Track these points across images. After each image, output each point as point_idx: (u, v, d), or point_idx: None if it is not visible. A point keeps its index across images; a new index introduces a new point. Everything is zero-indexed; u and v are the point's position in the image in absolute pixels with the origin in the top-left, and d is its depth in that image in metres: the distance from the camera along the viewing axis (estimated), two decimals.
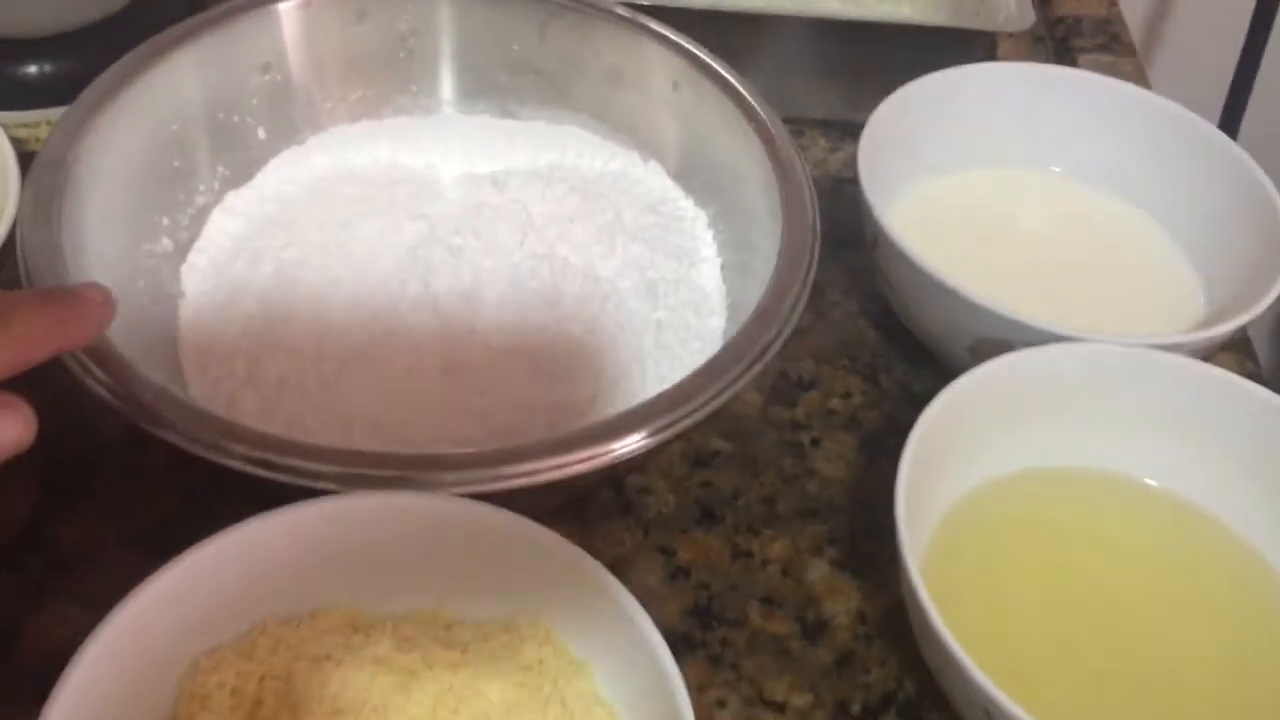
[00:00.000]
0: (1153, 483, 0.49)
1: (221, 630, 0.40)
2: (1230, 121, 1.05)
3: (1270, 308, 0.51)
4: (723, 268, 0.57)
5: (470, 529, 0.40)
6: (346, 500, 0.40)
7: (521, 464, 0.41)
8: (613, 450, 0.42)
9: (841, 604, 0.49)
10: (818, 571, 0.51)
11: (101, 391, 0.42)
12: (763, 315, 0.48)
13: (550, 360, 0.51)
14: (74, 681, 0.35)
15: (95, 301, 0.35)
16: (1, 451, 0.30)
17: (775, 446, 0.55)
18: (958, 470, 0.47)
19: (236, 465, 0.40)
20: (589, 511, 0.51)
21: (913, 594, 0.40)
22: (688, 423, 0.44)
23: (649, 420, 0.43)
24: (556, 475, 0.41)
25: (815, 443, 0.55)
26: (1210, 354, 0.52)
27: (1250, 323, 0.51)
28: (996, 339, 0.50)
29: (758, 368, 0.46)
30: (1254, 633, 0.45)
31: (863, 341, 0.60)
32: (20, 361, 0.31)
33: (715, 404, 0.44)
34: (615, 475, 0.52)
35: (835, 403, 0.57)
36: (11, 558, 0.47)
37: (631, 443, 0.42)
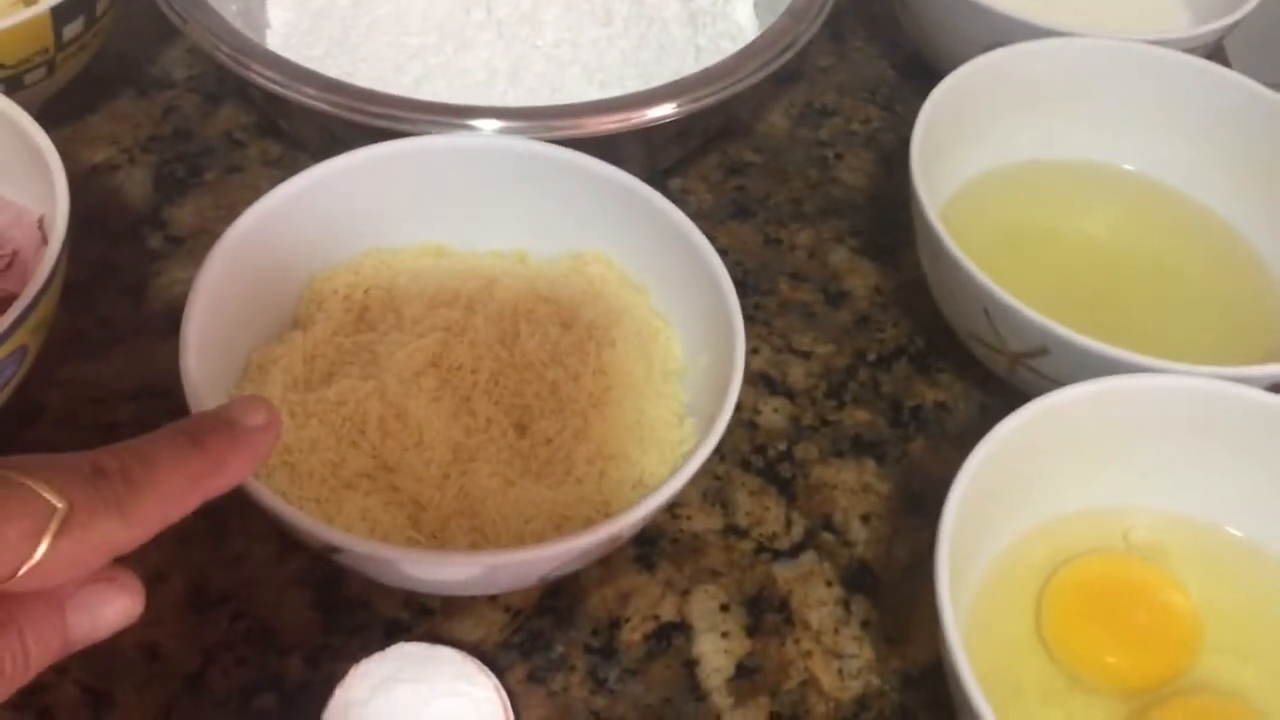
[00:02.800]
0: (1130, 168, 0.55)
1: (332, 253, 0.46)
2: None
3: None
4: (755, 5, 0.63)
5: (542, 168, 0.46)
6: (440, 139, 0.46)
7: (571, 118, 0.48)
8: (646, 114, 0.49)
9: (860, 280, 0.56)
10: (840, 255, 0.57)
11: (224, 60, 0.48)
12: (791, 14, 0.54)
13: (601, 69, 0.57)
14: (208, 279, 0.41)
15: (255, 430, 0.31)
16: (109, 628, 0.29)
17: (802, 159, 0.61)
18: (966, 153, 0.54)
19: (342, 113, 0.47)
20: None
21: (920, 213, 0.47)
22: (716, 98, 0.50)
23: (684, 92, 0.50)
24: (599, 129, 0.48)
25: (839, 157, 0.62)
26: None
27: None
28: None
29: (785, 56, 0.52)
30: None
31: (882, 79, 0.66)
32: (155, 528, 0.28)
33: (742, 85, 0.51)
34: (657, 175, 0.58)
35: (856, 126, 0.63)
36: (135, 232, 0.54)
37: (666, 110, 0.49)
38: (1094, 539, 0.43)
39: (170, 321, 0.51)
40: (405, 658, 0.39)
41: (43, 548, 0.26)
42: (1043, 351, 0.43)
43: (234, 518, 0.45)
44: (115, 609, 0.29)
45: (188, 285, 0.41)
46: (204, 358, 0.39)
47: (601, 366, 0.43)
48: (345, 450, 0.41)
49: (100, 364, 0.49)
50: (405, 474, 0.40)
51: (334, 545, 0.35)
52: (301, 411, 0.41)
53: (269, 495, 0.35)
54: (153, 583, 0.43)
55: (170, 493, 0.29)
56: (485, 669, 0.39)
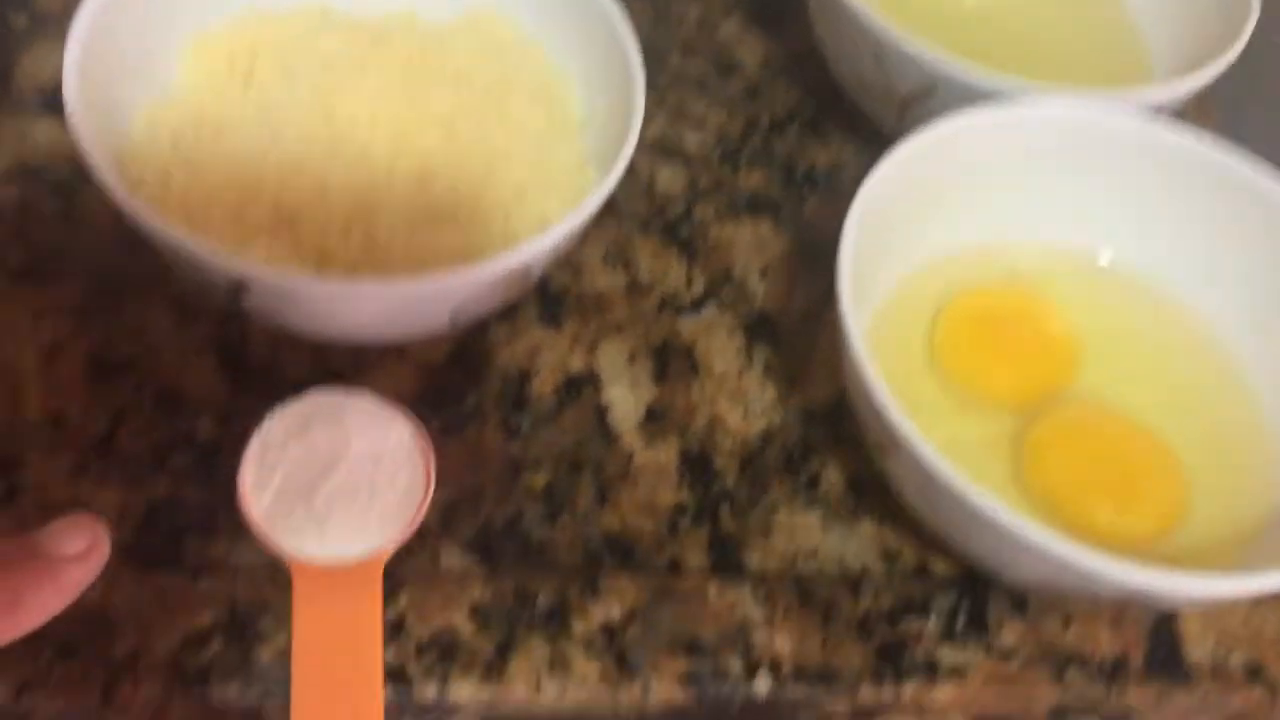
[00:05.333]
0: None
1: (210, 14, 0.45)
2: None
3: None
4: None
5: None
6: None
7: None
8: None
9: (749, 51, 0.56)
10: (729, 27, 0.57)
11: None
12: None
13: None
14: (82, 38, 0.39)
15: (70, 561, 0.28)
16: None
17: None
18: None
19: None
20: None
21: None
22: None
23: None
24: None
25: None
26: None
27: None
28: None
29: None
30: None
31: None
32: None
33: None
34: None
35: None
36: None
37: None
38: (980, 273, 0.45)
39: (43, 101, 0.49)
40: (321, 403, 0.39)
41: None
42: (930, 91, 0.44)
43: (130, 288, 0.44)
44: None
45: (59, 65, 0.38)
46: (89, 119, 0.37)
47: (502, 116, 0.43)
48: (245, 204, 0.40)
49: None
50: (308, 225, 0.40)
51: (243, 280, 0.35)
52: (195, 165, 0.40)
53: (172, 230, 0.35)
54: (51, 353, 0.42)
55: None
56: (403, 410, 0.39)
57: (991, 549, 0.36)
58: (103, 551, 0.29)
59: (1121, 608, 0.40)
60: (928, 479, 0.35)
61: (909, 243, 0.44)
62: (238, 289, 0.36)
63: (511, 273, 0.37)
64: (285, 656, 0.36)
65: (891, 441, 0.35)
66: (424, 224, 0.41)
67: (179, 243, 0.35)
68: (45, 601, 0.27)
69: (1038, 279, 0.45)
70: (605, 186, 0.39)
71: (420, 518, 0.38)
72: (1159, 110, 0.45)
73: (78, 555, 0.28)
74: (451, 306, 0.38)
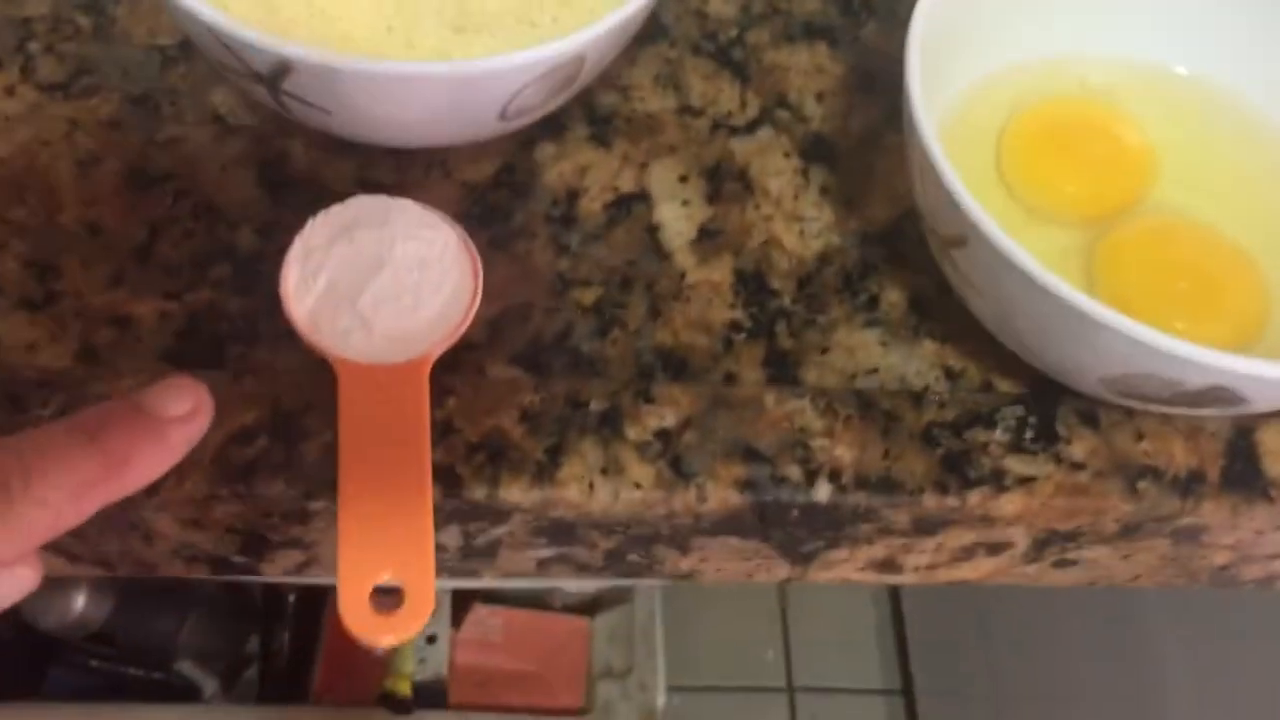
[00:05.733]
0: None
1: None
2: None
3: None
4: None
5: None
6: None
7: None
8: None
9: None
10: None
11: None
12: None
13: None
14: None
15: (174, 421, 0.28)
16: (4, 602, 0.26)
17: None
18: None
19: None
20: None
21: None
22: None
23: None
24: None
25: None
26: None
27: None
28: None
29: None
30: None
31: None
32: (42, 540, 0.25)
33: None
34: None
35: None
36: None
37: None
38: (1049, 85, 0.43)
39: None
40: (366, 206, 0.38)
41: None
42: None
43: (165, 104, 0.43)
44: (11, 585, 0.26)
45: None
46: None
47: None
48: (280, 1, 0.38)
49: None
50: (346, 23, 0.38)
51: (287, 62, 0.34)
52: None
53: (208, 9, 0.33)
54: (86, 164, 0.41)
55: (57, 502, 0.25)
56: (448, 218, 0.38)
57: (1067, 343, 0.34)
58: (207, 413, 0.29)
59: (1196, 423, 0.39)
60: (1002, 270, 0.33)
61: (973, 55, 0.42)
62: (280, 73, 0.34)
63: (565, 62, 0.36)
64: (331, 454, 0.35)
65: (964, 232, 0.34)
66: (468, 30, 0.40)
67: (222, 26, 0.33)
68: (153, 461, 0.28)
69: (1111, 90, 0.43)
70: None
71: (468, 322, 0.37)
72: None
73: (183, 416, 0.28)
74: (503, 99, 0.36)
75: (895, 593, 1.34)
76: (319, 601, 1.00)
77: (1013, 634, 1.01)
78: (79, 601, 0.90)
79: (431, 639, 1.01)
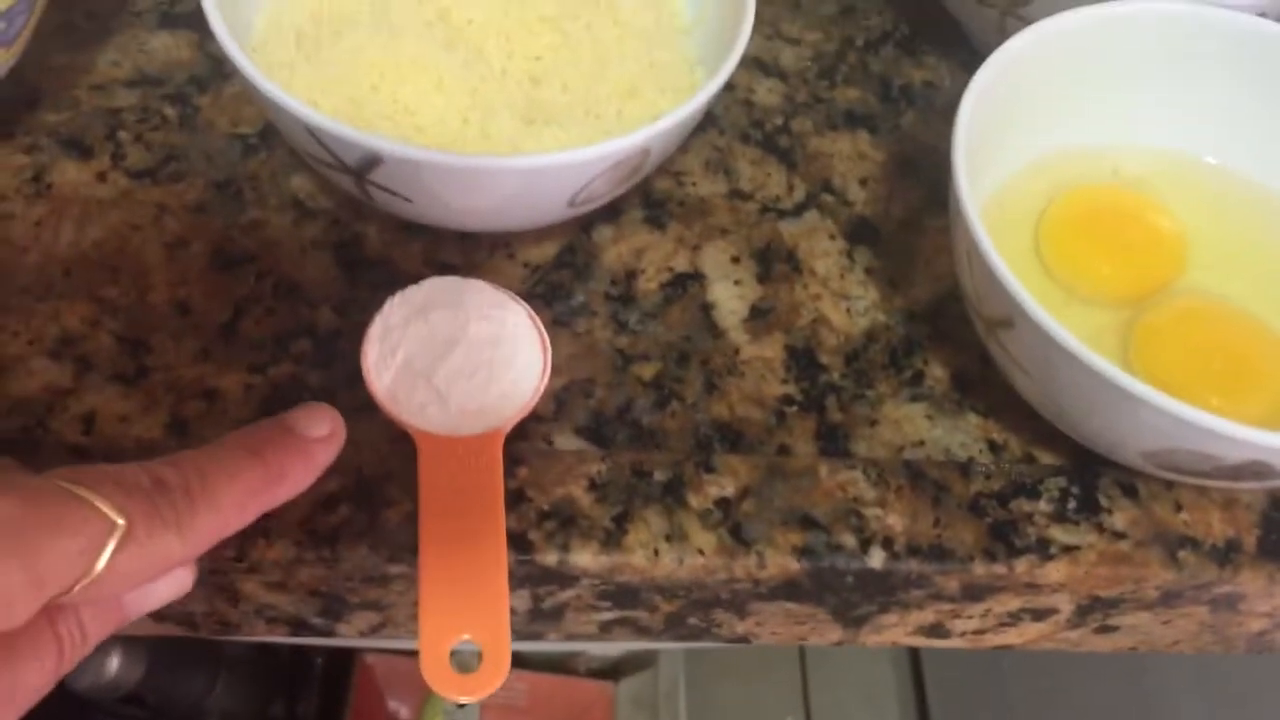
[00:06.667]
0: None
1: None
2: None
3: None
4: None
5: None
6: None
7: None
8: None
9: None
10: None
11: None
12: None
13: None
14: None
15: (317, 441, 0.32)
16: (162, 601, 0.30)
17: None
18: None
19: None
20: None
21: None
22: None
23: None
24: None
25: None
26: None
27: None
28: None
29: None
30: None
31: None
32: (212, 542, 0.29)
33: None
34: None
35: None
36: None
37: None
38: (1085, 173, 0.45)
39: (160, 15, 0.50)
40: (440, 287, 0.40)
41: (101, 563, 0.26)
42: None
43: (248, 189, 0.45)
44: (169, 586, 0.30)
45: None
46: (218, 18, 0.39)
47: (613, 18, 0.44)
48: (365, 94, 0.41)
49: (93, 53, 0.49)
50: (426, 116, 0.41)
51: (376, 154, 0.36)
52: (317, 58, 0.41)
53: (302, 106, 0.36)
54: (174, 247, 0.43)
55: (228, 507, 0.29)
56: (518, 298, 0.40)
57: (1110, 419, 0.36)
58: (341, 436, 0.33)
59: (1232, 494, 0.40)
60: (1048, 350, 0.35)
61: (1012, 146, 0.45)
62: (368, 165, 0.37)
63: (631, 155, 0.38)
64: (410, 521, 0.37)
65: (1011, 314, 0.36)
66: (538, 122, 0.42)
67: (315, 119, 0.36)
68: (302, 474, 0.32)
69: (1143, 179, 0.45)
70: (721, 74, 0.39)
71: (539, 395, 0.39)
72: (1268, 6, 0.45)
73: (324, 437, 0.32)
74: (573, 189, 0.39)
75: (915, 656, 1.34)
76: (346, 666, 1.01)
77: (1032, 698, 1.02)
78: (113, 663, 0.91)
79: (459, 704, 1.02)
